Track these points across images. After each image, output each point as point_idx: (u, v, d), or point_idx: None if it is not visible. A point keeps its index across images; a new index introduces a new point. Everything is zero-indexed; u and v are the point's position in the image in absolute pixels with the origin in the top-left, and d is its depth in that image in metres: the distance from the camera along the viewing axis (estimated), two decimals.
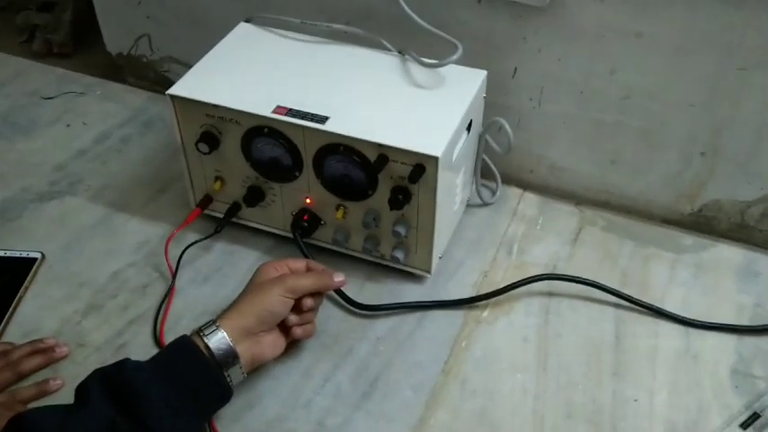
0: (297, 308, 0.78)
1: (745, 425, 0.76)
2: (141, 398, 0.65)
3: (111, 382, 0.66)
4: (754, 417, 0.76)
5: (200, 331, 0.72)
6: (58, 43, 1.37)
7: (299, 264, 0.82)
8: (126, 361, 0.69)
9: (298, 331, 0.79)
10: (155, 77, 1.26)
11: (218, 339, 0.71)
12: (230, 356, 0.71)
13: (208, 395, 0.70)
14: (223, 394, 0.72)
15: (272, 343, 0.77)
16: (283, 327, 0.78)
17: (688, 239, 0.98)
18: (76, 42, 1.39)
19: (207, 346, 0.70)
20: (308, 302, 0.79)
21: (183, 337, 0.72)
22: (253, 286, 0.77)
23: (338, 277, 0.83)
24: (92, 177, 1.05)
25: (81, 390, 0.67)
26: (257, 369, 0.78)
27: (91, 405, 0.65)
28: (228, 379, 0.71)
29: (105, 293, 0.89)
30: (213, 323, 0.72)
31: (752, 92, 0.87)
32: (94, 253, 0.94)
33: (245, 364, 0.73)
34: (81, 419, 0.64)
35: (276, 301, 0.75)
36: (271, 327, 0.76)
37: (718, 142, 0.92)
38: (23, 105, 1.18)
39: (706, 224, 1.00)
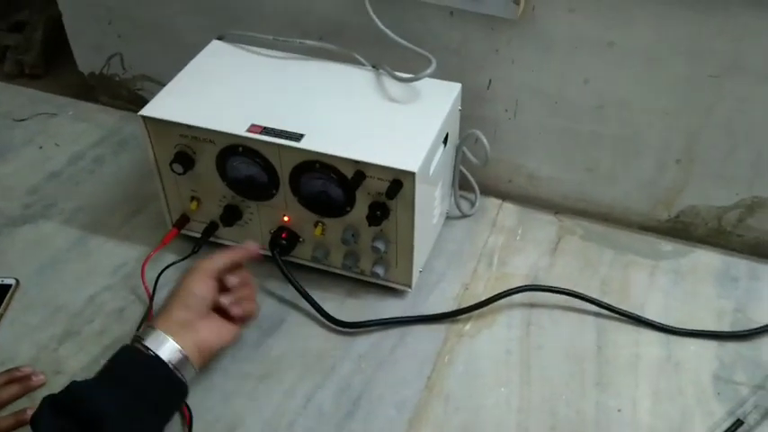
0: (225, 289, 0.79)
1: None
2: (91, 403, 0.66)
3: (60, 402, 0.67)
4: (738, 423, 0.76)
5: (137, 338, 0.73)
6: (30, 64, 1.35)
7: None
8: (72, 382, 0.69)
9: (235, 310, 0.78)
10: (128, 96, 1.25)
11: (155, 337, 0.72)
12: (173, 350, 0.72)
13: (158, 392, 0.71)
14: (175, 389, 0.72)
15: (215, 329, 0.77)
16: (227, 314, 0.79)
17: (666, 246, 0.98)
18: (48, 63, 1.37)
19: (146, 347, 0.71)
20: (232, 279, 0.79)
21: (123, 346, 0.73)
22: (177, 284, 0.78)
23: (250, 245, 0.83)
24: (66, 200, 1.04)
25: (33, 420, 0.67)
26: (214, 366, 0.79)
27: (42, 429, 0.65)
28: (179, 375, 0.72)
29: (82, 318, 0.88)
30: (147, 326, 0.74)
31: (724, 98, 0.87)
32: (70, 277, 0.93)
33: (191, 355, 0.73)
34: None
35: (194, 284, 0.76)
36: (201, 312, 0.76)
37: (692, 149, 0.93)
38: None
39: (684, 230, 1.00)
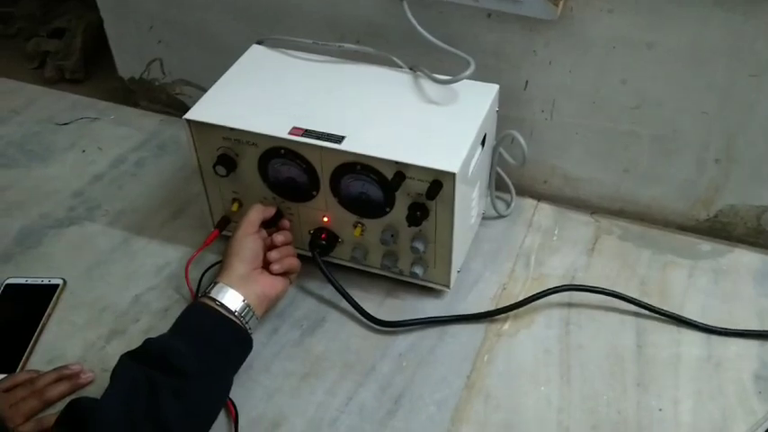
0: (273, 246, 0.87)
1: None
2: (168, 351, 0.73)
3: (138, 354, 0.74)
4: None
5: (203, 294, 0.80)
6: (70, 69, 1.39)
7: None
8: (147, 339, 0.76)
9: (276, 267, 0.85)
10: (167, 100, 1.27)
11: (219, 290, 0.80)
12: (238, 301, 0.79)
13: (227, 342, 0.78)
14: (242, 338, 0.79)
15: (269, 281, 0.85)
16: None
17: (705, 246, 0.98)
18: (88, 68, 1.40)
19: (214, 299, 0.79)
20: (278, 237, 0.88)
21: (190, 303, 0.82)
22: (226, 249, 0.86)
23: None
24: (109, 202, 1.06)
25: (113, 372, 0.73)
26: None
27: (123, 374, 0.72)
28: (246, 325, 0.79)
29: (127, 317, 0.90)
30: (212, 283, 0.81)
31: (765, 97, 0.87)
32: (115, 277, 0.95)
33: (254, 304, 0.81)
34: (119, 386, 0.71)
35: (243, 238, 0.84)
36: (256, 264, 0.84)
37: (732, 148, 0.93)
38: (38, 132, 1.20)
39: (722, 230, 1.00)
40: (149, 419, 0.68)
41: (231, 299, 0.79)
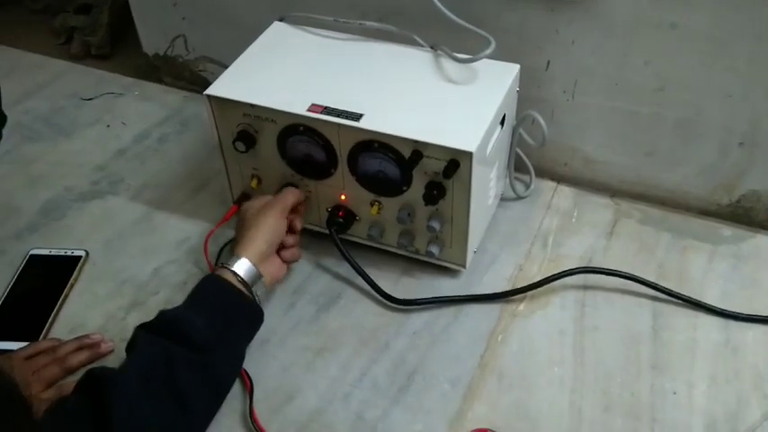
0: (290, 229, 0.88)
1: None
2: (184, 323, 0.74)
3: (153, 325, 0.75)
4: None
5: (224, 264, 0.81)
6: (96, 45, 1.40)
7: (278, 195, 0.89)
8: (161, 311, 0.77)
9: (286, 254, 0.87)
10: (190, 77, 1.28)
11: (241, 265, 0.80)
12: (255, 277, 0.81)
13: (241, 314, 0.79)
14: (254, 311, 0.80)
15: (277, 264, 0.86)
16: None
17: (726, 231, 0.97)
18: (114, 44, 1.42)
19: (234, 273, 0.79)
20: (298, 224, 0.89)
21: (209, 274, 0.81)
22: (248, 221, 0.85)
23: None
24: (132, 176, 1.08)
25: (129, 343, 0.75)
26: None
27: (141, 346, 0.73)
28: (258, 299, 0.80)
29: (147, 290, 0.91)
30: (233, 255, 0.81)
31: None
32: (136, 250, 0.97)
33: (267, 282, 0.83)
34: (136, 357, 0.72)
35: (276, 223, 0.84)
36: (275, 247, 0.85)
37: (756, 132, 0.91)
38: (64, 107, 1.22)
39: (744, 215, 0.99)
40: (166, 389, 0.70)
41: (250, 274, 0.80)
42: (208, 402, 0.75)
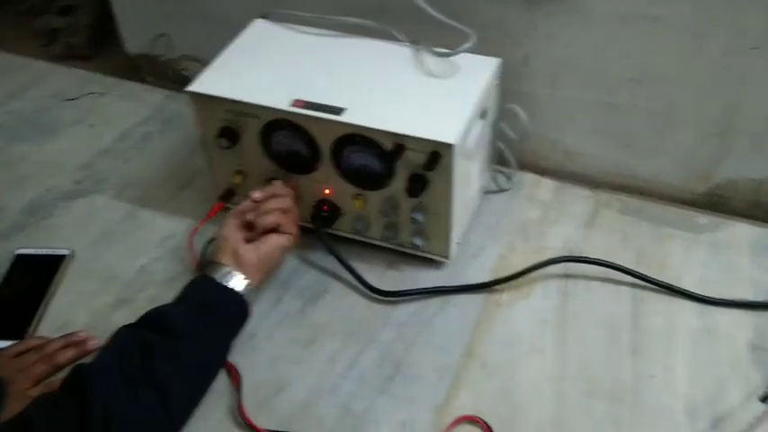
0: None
1: (764, 398, 0.77)
2: (164, 314, 0.76)
3: (135, 323, 0.76)
4: None
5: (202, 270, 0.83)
6: (78, 46, 1.40)
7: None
8: (148, 310, 0.78)
9: (258, 220, 0.85)
10: (173, 76, 1.28)
11: (216, 269, 0.82)
12: (233, 277, 0.81)
13: (224, 306, 0.80)
14: (239, 303, 0.81)
15: (263, 241, 0.84)
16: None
17: (703, 219, 0.99)
18: (96, 44, 1.42)
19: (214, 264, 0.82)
20: (256, 194, 0.87)
21: (195, 276, 0.83)
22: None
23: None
24: (116, 175, 1.08)
25: (110, 337, 0.76)
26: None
27: (117, 336, 0.75)
28: (245, 298, 0.81)
29: (133, 287, 0.92)
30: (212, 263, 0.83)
31: (765, 71, 0.88)
32: (122, 248, 0.97)
33: (250, 273, 0.82)
34: (112, 347, 0.74)
35: (221, 230, 0.86)
36: (239, 238, 0.84)
37: (732, 122, 0.93)
38: (47, 108, 1.22)
39: (721, 203, 1.00)
40: (144, 380, 0.71)
41: (236, 281, 0.81)
42: (187, 391, 0.75)
